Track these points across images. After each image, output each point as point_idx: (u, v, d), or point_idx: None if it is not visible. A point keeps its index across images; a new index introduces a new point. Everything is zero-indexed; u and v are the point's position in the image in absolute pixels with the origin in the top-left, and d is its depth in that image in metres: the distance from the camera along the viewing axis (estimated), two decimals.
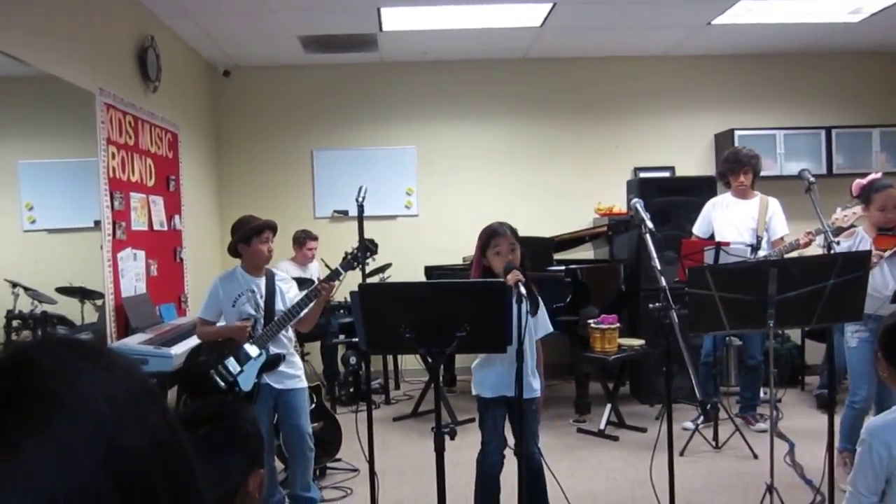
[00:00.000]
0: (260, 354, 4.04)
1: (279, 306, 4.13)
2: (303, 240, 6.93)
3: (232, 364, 4.07)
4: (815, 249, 4.99)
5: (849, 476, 2.54)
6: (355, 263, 3.93)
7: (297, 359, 4.28)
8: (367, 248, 3.90)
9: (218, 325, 4.22)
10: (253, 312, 4.09)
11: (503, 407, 3.67)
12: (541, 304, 3.73)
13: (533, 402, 3.69)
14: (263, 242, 4.09)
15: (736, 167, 5.64)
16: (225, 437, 1.84)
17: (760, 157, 5.81)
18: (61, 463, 0.55)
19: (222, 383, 4.06)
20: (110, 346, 4.49)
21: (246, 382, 4.06)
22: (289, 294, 4.20)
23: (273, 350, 4.07)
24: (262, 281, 4.15)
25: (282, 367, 4.11)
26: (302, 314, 4.07)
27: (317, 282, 6.74)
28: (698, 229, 5.93)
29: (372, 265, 4.71)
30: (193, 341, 4.67)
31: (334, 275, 3.98)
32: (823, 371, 6.30)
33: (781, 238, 5.47)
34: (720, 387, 5.88)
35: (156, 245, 5.71)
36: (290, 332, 4.25)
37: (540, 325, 3.72)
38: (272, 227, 4.16)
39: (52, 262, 4.46)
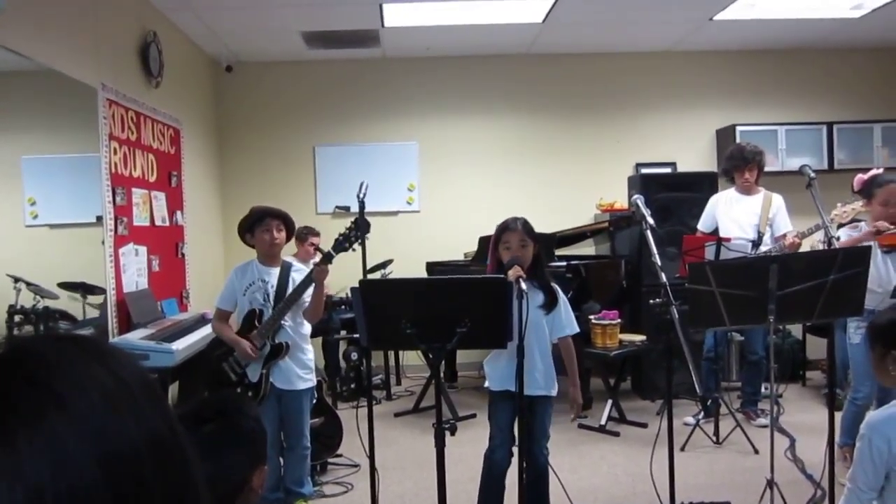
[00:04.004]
0: (264, 345, 4.08)
1: None
2: (304, 236, 6.92)
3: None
4: (817, 245, 4.99)
5: (848, 471, 2.54)
6: (346, 245, 3.94)
7: (310, 355, 4.27)
8: (359, 226, 3.87)
9: (233, 317, 4.26)
10: (262, 302, 4.12)
11: (509, 401, 3.60)
12: (562, 302, 3.70)
13: (546, 400, 3.70)
14: (265, 231, 4.10)
15: (741, 164, 5.61)
16: (230, 434, 1.85)
17: (764, 153, 5.78)
18: (53, 457, 0.55)
19: (233, 375, 4.17)
20: (111, 342, 4.50)
21: (253, 373, 4.13)
22: None
23: (277, 340, 4.09)
24: (276, 272, 4.17)
25: (293, 366, 4.13)
26: (300, 299, 4.08)
27: None
28: (703, 225, 5.91)
29: (373, 259, 4.70)
30: (195, 337, 4.71)
31: (327, 258, 3.97)
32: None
33: (784, 234, 5.46)
34: (721, 382, 5.88)
35: (158, 240, 5.71)
36: (306, 328, 4.24)
37: (556, 324, 3.69)
38: (273, 214, 4.14)
39: (54, 258, 4.47)
